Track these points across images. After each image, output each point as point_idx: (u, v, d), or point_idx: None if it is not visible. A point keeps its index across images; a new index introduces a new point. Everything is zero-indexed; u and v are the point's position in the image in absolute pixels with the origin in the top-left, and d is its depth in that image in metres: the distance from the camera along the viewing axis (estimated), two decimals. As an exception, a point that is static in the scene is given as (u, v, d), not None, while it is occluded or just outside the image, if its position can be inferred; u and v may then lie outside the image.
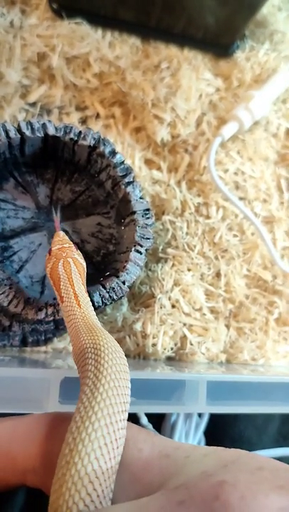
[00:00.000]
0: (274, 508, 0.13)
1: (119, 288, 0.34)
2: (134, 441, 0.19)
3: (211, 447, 0.18)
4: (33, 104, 0.43)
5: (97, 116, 0.44)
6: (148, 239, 0.36)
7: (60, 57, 0.42)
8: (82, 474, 0.16)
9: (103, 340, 0.22)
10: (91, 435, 0.17)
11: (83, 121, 0.44)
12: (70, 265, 0.31)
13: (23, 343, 0.36)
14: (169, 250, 0.41)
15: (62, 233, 0.34)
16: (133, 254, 0.35)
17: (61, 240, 0.33)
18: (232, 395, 0.31)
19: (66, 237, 0.33)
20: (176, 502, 0.14)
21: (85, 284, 0.31)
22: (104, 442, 0.17)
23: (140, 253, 0.35)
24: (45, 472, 0.18)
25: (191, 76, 0.45)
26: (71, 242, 0.33)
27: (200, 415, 0.40)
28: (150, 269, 0.40)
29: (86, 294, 0.30)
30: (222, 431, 0.41)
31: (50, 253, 0.32)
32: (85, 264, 0.32)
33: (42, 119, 0.41)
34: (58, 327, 0.35)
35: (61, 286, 0.30)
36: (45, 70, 0.43)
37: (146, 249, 0.35)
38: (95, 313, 0.29)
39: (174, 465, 0.18)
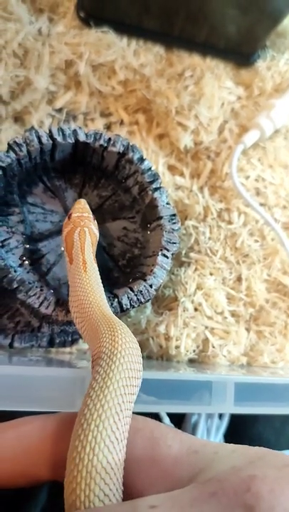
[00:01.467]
0: None
1: (146, 291, 0.35)
2: (164, 439, 0.20)
3: (237, 445, 0.19)
4: (60, 110, 0.44)
5: (122, 122, 0.45)
6: (174, 243, 0.36)
7: (86, 65, 0.43)
8: (93, 465, 0.17)
9: (119, 331, 0.22)
10: (99, 426, 0.18)
11: (108, 127, 0.45)
12: (84, 235, 0.33)
13: (51, 344, 0.37)
14: (192, 255, 0.42)
15: (83, 201, 0.36)
16: (160, 259, 0.36)
17: (82, 207, 0.35)
18: (257, 396, 0.32)
19: (87, 206, 0.36)
20: (208, 493, 0.15)
21: (95, 252, 0.34)
22: (112, 432, 0.18)
23: (167, 257, 0.36)
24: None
25: (214, 84, 0.46)
26: (90, 212, 0.35)
27: (220, 417, 0.41)
28: (173, 273, 0.41)
29: (94, 263, 0.33)
30: (241, 432, 0.42)
31: (69, 218, 0.35)
32: (98, 234, 0.35)
33: (72, 125, 0.42)
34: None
35: (73, 252, 0.33)
36: (72, 77, 0.44)
37: (172, 254, 0.36)
38: (99, 279, 0.31)
39: (203, 460, 0.18)
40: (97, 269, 0.32)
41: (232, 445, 0.19)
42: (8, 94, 0.42)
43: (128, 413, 0.19)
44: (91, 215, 0.35)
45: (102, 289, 0.31)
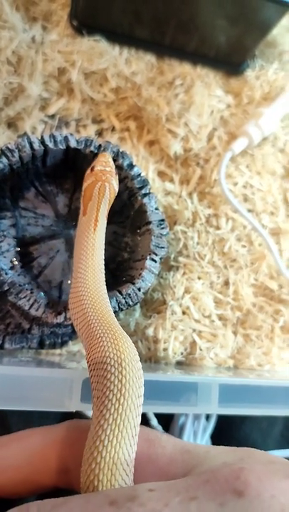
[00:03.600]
0: (287, 490, 0.16)
1: (134, 294, 0.35)
2: (158, 441, 0.21)
3: (227, 446, 0.20)
4: (52, 117, 0.45)
5: (113, 129, 0.46)
6: (162, 248, 0.37)
7: (79, 72, 0.44)
8: (114, 460, 0.18)
9: (124, 345, 0.23)
10: (115, 429, 0.19)
11: (99, 133, 0.46)
12: (104, 190, 0.34)
13: (41, 345, 0.38)
14: (181, 259, 0.43)
15: (108, 155, 0.37)
16: (148, 263, 0.36)
17: (105, 161, 0.36)
18: (242, 397, 0.32)
19: (110, 160, 0.36)
20: (202, 481, 0.16)
21: (109, 208, 0.35)
22: (126, 433, 0.19)
23: (155, 261, 0.37)
24: (77, 470, 0.20)
25: (204, 93, 0.47)
26: (113, 166, 0.36)
27: (207, 418, 0.42)
28: (162, 277, 0.42)
29: (105, 221, 0.34)
30: (228, 434, 0.43)
31: (92, 170, 0.35)
32: (117, 189, 0.36)
33: (64, 132, 0.43)
34: (75, 331, 0.37)
35: (89, 205, 0.34)
36: (65, 84, 0.45)
37: (160, 258, 0.37)
38: (103, 242, 0.33)
39: (196, 458, 0.19)
40: (104, 229, 0.34)
41: (222, 446, 0.20)
42: (2, 100, 0.42)
43: (139, 411, 0.20)
44: (114, 170, 0.36)
45: (103, 259, 0.33)
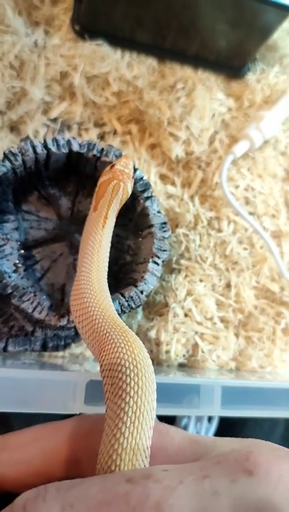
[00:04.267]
0: None
1: (137, 297, 0.36)
2: (166, 431, 0.22)
3: (233, 437, 0.21)
4: (54, 120, 0.45)
5: (115, 132, 0.46)
6: (165, 251, 0.38)
7: (81, 76, 0.45)
8: (132, 448, 0.19)
9: (137, 348, 0.23)
10: (135, 421, 0.20)
11: (101, 137, 0.46)
12: (118, 189, 0.35)
13: (43, 347, 0.38)
14: (183, 262, 0.43)
15: (131, 158, 0.37)
16: (151, 265, 0.37)
17: (126, 163, 0.36)
18: (244, 399, 0.33)
19: (131, 163, 0.37)
20: (213, 462, 0.17)
21: (119, 209, 0.36)
22: (145, 424, 0.20)
23: (157, 264, 0.37)
24: (88, 461, 0.20)
25: (205, 96, 0.47)
26: (132, 170, 0.37)
27: (210, 420, 0.42)
28: (164, 280, 0.42)
29: (114, 220, 0.35)
30: (230, 436, 0.43)
31: (111, 168, 0.36)
32: (130, 193, 0.36)
33: (66, 135, 0.44)
34: (78, 333, 0.37)
35: (101, 201, 0.35)
36: (67, 88, 0.45)
37: (163, 261, 0.37)
38: (110, 240, 0.34)
39: (204, 447, 0.20)
40: (113, 227, 0.35)
41: (228, 437, 0.21)
42: (5, 104, 0.43)
43: (154, 405, 0.21)
44: (132, 173, 0.36)
45: (108, 256, 0.34)
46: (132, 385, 0.21)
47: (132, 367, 0.22)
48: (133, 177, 0.37)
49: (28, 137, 0.43)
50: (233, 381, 0.33)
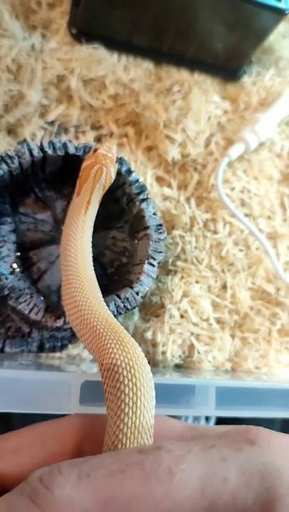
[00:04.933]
0: None
1: (133, 298, 0.36)
2: (168, 420, 0.23)
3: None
4: (52, 123, 0.46)
5: (111, 135, 0.47)
6: (160, 252, 0.38)
7: (78, 80, 0.45)
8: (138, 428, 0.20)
9: (136, 358, 0.24)
10: (137, 402, 0.21)
11: (98, 139, 0.47)
12: (101, 174, 0.35)
13: (40, 349, 0.38)
14: (179, 263, 0.43)
15: (114, 142, 0.37)
16: (146, 267, 0.37)
17: (110, 147, 0.36)
18: (239, 400, 0.33)
19: (115, 148, 0.37)
20: (217, 436, 0.18)
21: (102, 194, 0.35)
22: (147, 403, 0.21)
23: (153, 266, 0.37)
24: (92, 452, 0.21)
25: (201, 99, 0.47)
26: (115, 154, 0.36)
27: (207, 420, 0.43)
28: (160, 281, 0.43)
29: (97, 205, 0.34)
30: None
31: (94, 152, 0.36)
32: (114, 177, 0.36)
33: (63, 138, 0.44)
34: (75, 334, 0.38)
35: (84, 186, 0.34)
36: (64, 91, 0.46)
37: (158, 262, 0.38)
38: (92, 225, 0.34)
39: (204, 433, 0.22)
40: (95, 213, 0.35)
41: (225, 425, 0.23)
42: (2, 107, 0.43)
43: (153, 394, 0.23)
44: (115, 157, 0.36)
45: (90, 241, 0.33)
46: (130, 386, 0.22)
47: (128, 368, 0.22)
48: (117, 161, 0.37)
49: (25, 140, 0.44)
50: (228, 381, 0.33)
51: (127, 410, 0.21)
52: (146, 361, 0.24)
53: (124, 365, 0.23)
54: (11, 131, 0.44)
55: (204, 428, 0.22)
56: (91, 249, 0.34)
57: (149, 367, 0.24)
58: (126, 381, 0.22)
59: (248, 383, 0.34)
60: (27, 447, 0.23)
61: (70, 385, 0.29)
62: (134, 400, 0.21)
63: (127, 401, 0.21)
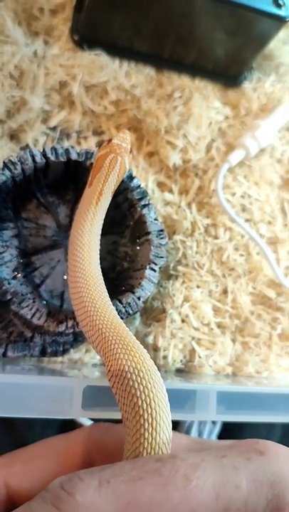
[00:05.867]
0: None
1: (134, 303, 0.36)
2: (175, 434, 0.23)
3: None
4: (54, 129, 0.46)
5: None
6: (162, 257, 0.38)
7: (80, 86, 0.45)
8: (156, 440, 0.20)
9: (143, 362, 0.24)
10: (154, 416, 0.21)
11: (100, 145, 0.47)
12: (115, 163, 0.34)
13: (42, 353, 0.39)
14: (180, 268, 0.44)
15: (128, 133, 0.37)
16: (148, 272, 0.37)
17: (124, 138, 0.36)
18: (240, 404, 0.33)
19: (129, 138, 0.37)
20: (227, 447, 0.19)
21: (117, 186, 0.35)
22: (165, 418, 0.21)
23: (154, 271, 0.38)
24: (102, 461, 0.21)
25: (202, 105, 0.48)
26: (129, 145, 0.36)
27: (214, 422, 0.43)
28: (162, 286, 0.43)
29: (109, 197, 0.33)
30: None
31: (108, 142, 0.35)
32: (128, 168, 0.36)
33: (65, 144, 0.44)
34: (77, 339, 0.38)
35: (97, 176, 0.33)
36: (66, 97, 0.46)
37: (159, 267, 0.38)
38: (102, 219, 0.33)
39: (211, 446, 0.22)
40: (108, 204, 0.33)
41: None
42: (5, 113, 0.43)
43: (167, 401, 0.22)
44: (129, 148, 0.36)
45: (100, 234, 0.33)
46: (141, 390, 0.22)
47: (136, 372, 0.23)
48: (131, 152, 0.36)
49: (27, 146, 0.44)
50: (229, 386, 0.34)
51: (142, 422, 0.21)
52: (153, 363, 0.24)
53: (132, 370, 0.23)
54: (13, 136, 0.45)
55: (210, 442, 0.23)
56: (99, 243, 0.33)
57: (155, 368, 0.24)
58: (136, 385, 0.22)
59: (248, 388, 0.35)
60: (38, 463, 0.24)
61: (72, 390, 0.29)
62: (150, 412, 0.21)
63: (142, 412, 0.21)
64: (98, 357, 0.41)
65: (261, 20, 0.44)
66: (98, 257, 0.32)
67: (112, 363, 0.24)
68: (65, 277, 0.40)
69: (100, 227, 0.34)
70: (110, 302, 0.30)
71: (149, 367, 0.23)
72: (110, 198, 0.34)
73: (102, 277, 0.31)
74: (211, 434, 0.43)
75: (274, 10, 0.43)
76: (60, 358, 0.40)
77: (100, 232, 0.33)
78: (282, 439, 0.45)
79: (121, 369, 0.23)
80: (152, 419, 0.21)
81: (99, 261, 0.32)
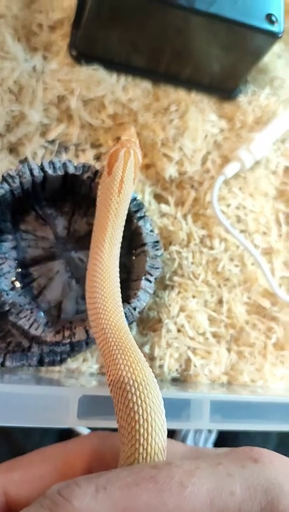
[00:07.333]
0: None
1: (130, 314, 0.37)
2: (171, 442, 0.24)
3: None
4: (52, 142, 0.47)
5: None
6: (157, 268, 0.39)
7: (78, 100, 0.46)
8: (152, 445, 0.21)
9: (138, 366, 0.25)
10: (151, 423, 0.22)
11: (97, 157, 0.48)
12: (130, 154, 0.35)
13: (40, 363, 0.39)
14: (176, 278, 0.44)
15: (134, 129, 0.38)
16: (144, 283, 0.38)
17: (131, 134, 0.37)
18: (234, 413, 0.34)
19: (135, 134, 0.38)
20: (222, 454, 0.20)
21: (135, 177, 0.35)
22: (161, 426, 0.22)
23: (150, 281, 0.38)
24: (100, 469, 0.22)
25: (198, 118, 0.49)
26: (137, 140, 0.37)
27: (209, 430, 0.43)
28: (158, 296, 0.44)
29: (132, 187, 0.33)
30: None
31: (117, 140, 0.37)
32: (140, 161, 0.36)
33: (63, 157, 0.45)
34: (74, 349, 0.39)
35: (114, 167, 0.34)
36: (64, 111, 0.47)
37: (155, 278, 0.39)
38: (126, 210, 0.33)
39: (207, 454, 0.23)
40: (130, 196, 0.33)
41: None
42: (4, 127, 0.44)
43: (163, 409, 0.23)
44: (138, 142, 0.37)
45: (122, 230, 0.33)
46: (138, 403, 0.23)
47: (136, 384, 0.23)
48: (140, 146, 0.37)
49: (26, 159, 0.45)
50: (222, 395, 0.34)
51: (138, 427, 0.22)
52: (153, 376, 0.25)
53: (131, 382, 0.23)
54: (12, 149, 0.45)
55: (205, 450, 0.24)
56: (121, 236, 0.33)
57: (154, 378, 0.24)
58: (133, 391, 0.23)
59: (242, 397, 0.35)
60: (36, 471, 0.24)
61: (69, 399, 0.30)
62: (145, 417, 0.22)
63: (137, 418, 0.22)
64: (95, 366, 0.41)
65: (255, 36, 0.45)
66: (118, 255, 0.33)
67: (112, 373, 0.25)
68: (63, 288, 0.41)
69: (124, 217, 0.33)
70: (123, 312, 0.31)
71: (147, 381, 0.24)
72: (132, 189, 0.34)
73: (118, 280, 0.32)
74: (206, 442, 0.43)
75: (267, 26, 0.44)
76: (57, 368, 0.41)
77: (124, 224, 0.33)
78: (278, 447, 0.46)
79: (120, 380, 0.24)
80: (148, 425, 0.21)
81: (118, 261, 0.33)
